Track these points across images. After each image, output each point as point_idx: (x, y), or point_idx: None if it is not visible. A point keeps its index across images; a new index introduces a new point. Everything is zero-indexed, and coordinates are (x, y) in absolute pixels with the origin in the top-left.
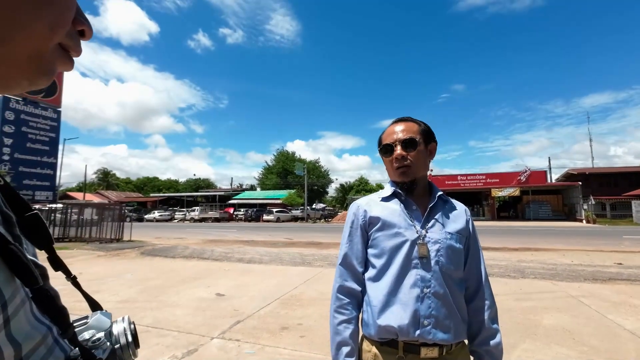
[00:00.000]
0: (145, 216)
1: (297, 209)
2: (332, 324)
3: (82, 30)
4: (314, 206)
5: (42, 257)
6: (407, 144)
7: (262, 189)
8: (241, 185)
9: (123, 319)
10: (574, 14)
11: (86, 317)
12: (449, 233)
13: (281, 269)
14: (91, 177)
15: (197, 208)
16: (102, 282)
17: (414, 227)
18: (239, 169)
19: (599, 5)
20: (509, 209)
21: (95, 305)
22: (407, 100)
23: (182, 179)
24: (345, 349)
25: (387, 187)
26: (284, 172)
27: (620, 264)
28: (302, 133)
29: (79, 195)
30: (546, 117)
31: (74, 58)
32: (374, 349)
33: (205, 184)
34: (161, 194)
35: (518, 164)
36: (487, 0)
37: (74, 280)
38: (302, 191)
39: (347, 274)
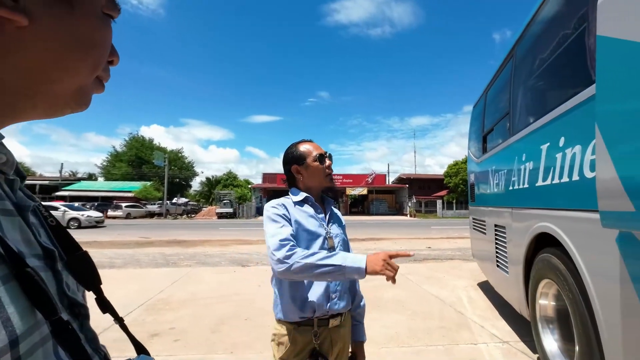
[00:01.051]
0: None
1: (154, 204)
2: (309, 266)
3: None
4: (174, 201)
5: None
6: (330, 157)
7: (108, 179)
8: (75, 174)
9: None
10: (410, 49)
11: None
12: (341, 228)
13: (140, 272)
14: None
15: None
16: None
17: (323, 225)
18: (72, 153)
19: (424, 49)
20: (359, 206)
21: (140, 349)
22: (278, 97)
23: None
24: (338, 256)
25: (300, 194)
26: (138, 160)
27: (430, 247)
28: (161, 118)
29: None
30: (387, 130)
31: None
32: (293, 331)
33: None
34: None
35: (366, 167)
36: (350, 22)
37: (121, 323)
38: (161, 184)
39: (285, 238)
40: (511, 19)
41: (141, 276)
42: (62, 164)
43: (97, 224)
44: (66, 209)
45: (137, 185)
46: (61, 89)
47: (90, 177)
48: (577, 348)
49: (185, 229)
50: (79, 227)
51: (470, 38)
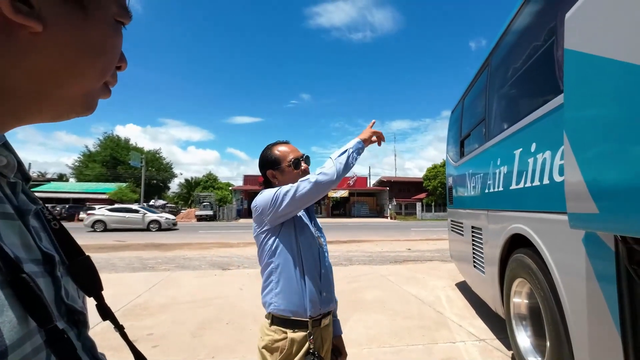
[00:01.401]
0: None
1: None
2: (337, 164)
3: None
4: (152, 203)
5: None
6: (307, 159)
7: (80, 180)
8: (43, 174)
9: None
10: (390, 55)
11: None
12: (320, 230)
13: (115, 277)
14: None
15: None
16: None
17: (311, 225)
18: (41, 153)
19: (404, 55)
20: (340, 208)
21: (140, 359)
22: (259, 99)
23: None
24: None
25: None
26: (113, 161)
27: (409, 249)
28: (137, 117)
29: None
30: None
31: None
32: (289, 335)
33: None
34: None
35: None
36: (332, 26)
37: (121, 331)
38: (137, 185)
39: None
40: (486, 29)
41: (117, 281)
42: (29, 163)
43: (173, 226)
44: (145, 211)
45: (111, 186)
46: (69, 93)
47: (61, 177)
48: (548, 343)
49: (163, 232)
50: (159, 229)
51: (448, 45)
